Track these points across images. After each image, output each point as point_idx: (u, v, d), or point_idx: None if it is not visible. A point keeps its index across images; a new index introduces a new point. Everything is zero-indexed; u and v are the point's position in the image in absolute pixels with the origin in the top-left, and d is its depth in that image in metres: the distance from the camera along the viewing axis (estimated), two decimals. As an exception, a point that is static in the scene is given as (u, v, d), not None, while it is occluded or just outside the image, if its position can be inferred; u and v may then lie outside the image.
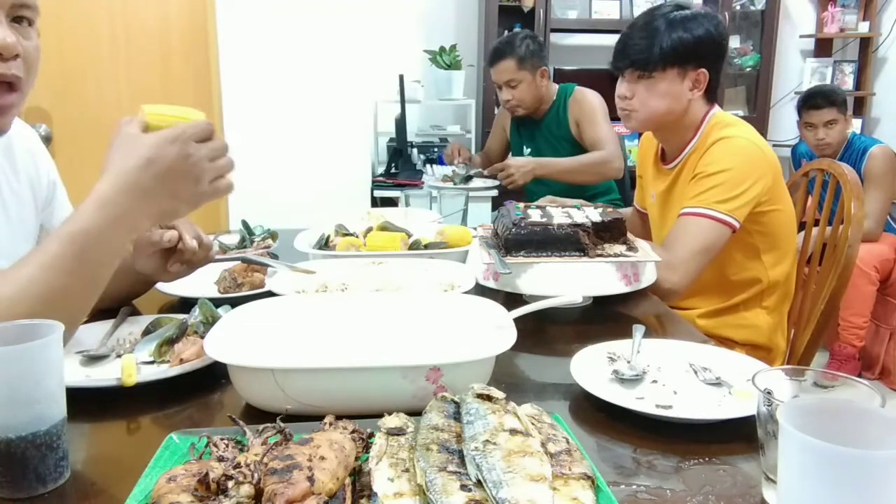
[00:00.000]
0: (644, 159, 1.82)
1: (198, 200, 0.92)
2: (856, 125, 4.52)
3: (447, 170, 3.03)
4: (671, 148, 1.67)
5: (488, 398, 0.74)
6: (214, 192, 0.92)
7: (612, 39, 1.86)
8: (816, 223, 1.82)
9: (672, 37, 1.53)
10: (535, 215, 1.31)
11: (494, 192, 2.96)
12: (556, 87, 2.85)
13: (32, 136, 1.21)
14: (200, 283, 1.30)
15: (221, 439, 0.70)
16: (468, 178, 2.87)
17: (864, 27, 4.42)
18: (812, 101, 3.27)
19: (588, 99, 2.74)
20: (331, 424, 0.71)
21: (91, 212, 0.85)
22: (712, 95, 1.62)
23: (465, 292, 1.14)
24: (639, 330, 1.02)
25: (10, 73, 0.91)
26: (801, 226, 1.89)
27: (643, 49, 1.55)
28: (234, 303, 1.06)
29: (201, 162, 0.89)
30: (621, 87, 1.62)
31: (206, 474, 0.59)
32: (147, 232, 1.13)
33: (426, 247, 1.42)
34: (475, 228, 1.50)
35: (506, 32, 3.96)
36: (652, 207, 1.77)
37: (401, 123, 3.29)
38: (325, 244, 1.49)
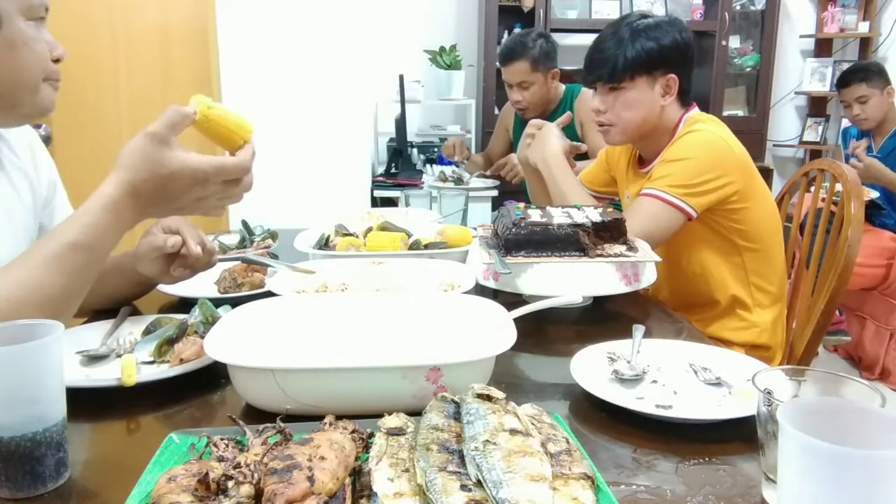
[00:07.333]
0: (617, 160, 1.81)
1: (199, 213, 0.97)
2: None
3: (446, 169, 3.03)
4: (648, 153, 1.67)
5: (488, 398, 0.73)
6: (219, 208, 0.96)
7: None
8: (816, 224, 1.81)
9: (635, 46, 1.54)
10: (534, 215, 1.31)
11: (494, 192, 2.96)
12: (562, 87, 2.84)
13: (33, 135, 1.21)
14: (200, 283, 1.30)
15: (221, 439, 0.70)
16: (459, 181, 2.87)
17: (864, 27, 4.42)
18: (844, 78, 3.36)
19: None
20: (331, 424, 0.71)
21: (95, 211, 0.89)
22: (686, 99, 1.63)
23: (465, 292, 1.13)
24: (639, 330, 1.02)
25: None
26: (802, 226, 1.89)
27: (608, 61, 1.56)
28: (234, 303, 1.06)
29: (213, 195, 0.94)
30: (594, 101, 1.63)
31: (206, 474, 0.59)
32: (151, 236, 1.14)
33: (426, 247, 1.42)
34: (475, 228, 1.50)
35: (506, 33, 3.98)
36: (627, 207, 1.77)
37: (401, 123, 3.29)
38: (325, 244, 1.48)
